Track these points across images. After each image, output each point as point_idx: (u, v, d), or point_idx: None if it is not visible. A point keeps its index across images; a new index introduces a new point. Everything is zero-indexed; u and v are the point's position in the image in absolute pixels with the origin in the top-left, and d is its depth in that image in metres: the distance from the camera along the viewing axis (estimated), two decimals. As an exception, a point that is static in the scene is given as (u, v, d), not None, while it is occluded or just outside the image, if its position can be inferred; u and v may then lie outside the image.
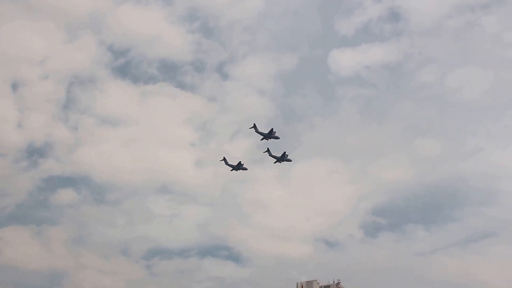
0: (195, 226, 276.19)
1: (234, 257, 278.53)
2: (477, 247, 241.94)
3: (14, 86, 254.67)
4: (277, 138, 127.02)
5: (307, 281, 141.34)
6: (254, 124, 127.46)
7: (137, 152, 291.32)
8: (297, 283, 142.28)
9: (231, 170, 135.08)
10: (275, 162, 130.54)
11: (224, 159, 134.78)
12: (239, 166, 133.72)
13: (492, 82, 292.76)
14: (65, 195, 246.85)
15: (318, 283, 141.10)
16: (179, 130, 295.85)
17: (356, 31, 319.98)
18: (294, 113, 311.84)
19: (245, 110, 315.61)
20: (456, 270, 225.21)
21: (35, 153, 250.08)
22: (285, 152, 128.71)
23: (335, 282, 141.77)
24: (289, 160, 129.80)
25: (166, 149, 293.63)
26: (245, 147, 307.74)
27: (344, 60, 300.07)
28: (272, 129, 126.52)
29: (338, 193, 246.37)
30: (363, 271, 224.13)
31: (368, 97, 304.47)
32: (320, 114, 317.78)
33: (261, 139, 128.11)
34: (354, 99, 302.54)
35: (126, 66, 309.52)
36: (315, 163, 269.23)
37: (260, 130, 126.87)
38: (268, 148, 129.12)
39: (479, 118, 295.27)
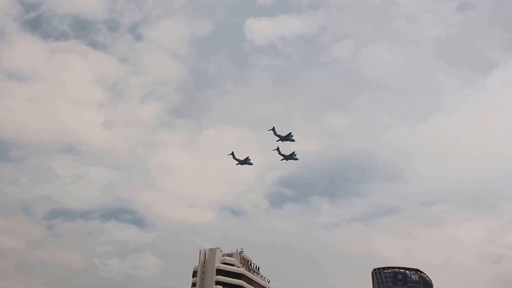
0: (100, 188, 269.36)
1: (138, 221, 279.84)
2: (380, 222, 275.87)
3: None
4: (292, 140, 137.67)
5: (211, 249, 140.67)
6: (273, 127, 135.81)
7: (44, 110, 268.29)
8: (200, 250, 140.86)
9: (237, 164, 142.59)
10: (281, 160, 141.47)
11: (232, 154, 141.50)
12: (246, 161, 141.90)
13: (404, 61, 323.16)
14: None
15: (221, 251, 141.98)
16: (88, 89, 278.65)
17: (274, 1, 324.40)
18: (207, 78, 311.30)
19: (157, 73, 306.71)
20: (358, 244, 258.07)
21: None
22: (293, 152, 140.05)
23: (238, 250, 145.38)
24: (296, 159, 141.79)
25: (73, 108, 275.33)
26: (155, 110, 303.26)
27: (260, 29, 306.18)
28: (290, 133, 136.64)
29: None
30: (267, 241, 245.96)
31: (282, 68, 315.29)
32: (233, 81, 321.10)
33: (277, 141, 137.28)
34: (267, 68, 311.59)
35: (37, 21, 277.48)
36: (225, 131, 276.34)
37: (278, 133, 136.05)
38: (278, 147, 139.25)
39: (389, 96, 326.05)
